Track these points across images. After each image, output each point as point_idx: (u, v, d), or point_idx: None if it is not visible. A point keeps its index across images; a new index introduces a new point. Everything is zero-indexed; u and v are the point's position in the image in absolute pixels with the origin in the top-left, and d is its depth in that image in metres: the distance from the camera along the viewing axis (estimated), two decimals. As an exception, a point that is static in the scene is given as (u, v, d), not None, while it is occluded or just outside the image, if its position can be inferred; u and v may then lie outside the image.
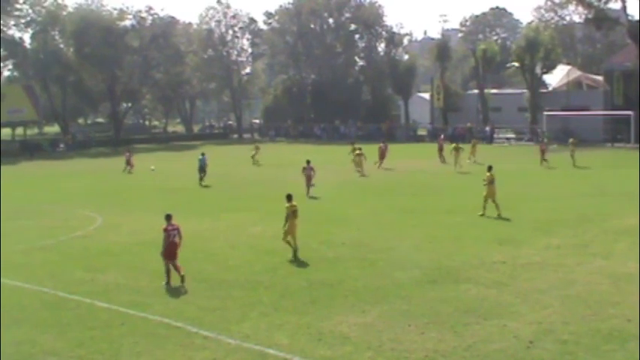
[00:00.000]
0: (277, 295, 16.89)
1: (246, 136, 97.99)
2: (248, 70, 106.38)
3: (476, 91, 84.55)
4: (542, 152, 48.37)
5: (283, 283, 17.97)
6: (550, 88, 78.80)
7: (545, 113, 68.32)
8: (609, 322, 14.27)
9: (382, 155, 48.16)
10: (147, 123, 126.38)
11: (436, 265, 19.31)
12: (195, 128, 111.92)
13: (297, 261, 20.18)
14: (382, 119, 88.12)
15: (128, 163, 50.54)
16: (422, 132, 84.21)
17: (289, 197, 20.83)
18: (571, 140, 49.61)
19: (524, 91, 76.09)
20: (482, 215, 27.20)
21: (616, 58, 75.36)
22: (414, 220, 26.89)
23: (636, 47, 66.62)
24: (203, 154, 42.63)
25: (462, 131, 73.10)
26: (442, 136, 57.58)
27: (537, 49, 73.33)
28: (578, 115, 65.88)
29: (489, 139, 73.40)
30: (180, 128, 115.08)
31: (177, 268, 17.94)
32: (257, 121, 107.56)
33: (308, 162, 34.95)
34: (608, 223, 25.15)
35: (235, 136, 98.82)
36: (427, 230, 24.66)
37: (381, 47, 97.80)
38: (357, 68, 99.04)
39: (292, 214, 20.62)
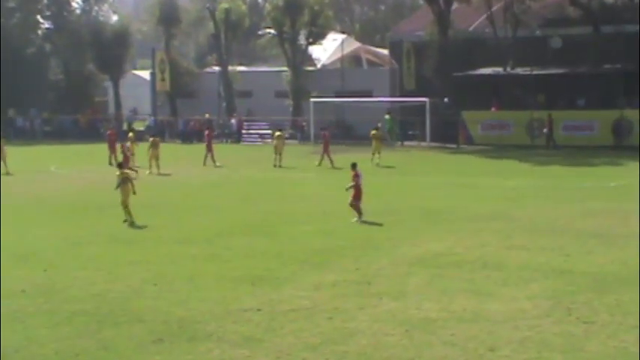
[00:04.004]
0: None
1: None
2: None
3: (217, 68, 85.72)
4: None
5: None
6: (319, 66, 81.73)
7: (313, 100, 70.17)
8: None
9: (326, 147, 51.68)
10: None
11: (164, 317, 19.24)
12: None
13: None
14: (82, 108, 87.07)
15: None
16: (140, 126, 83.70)
17: None
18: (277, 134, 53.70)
19: (284, 69, 78.11)
20: (125, 221, 31.68)
21: (405, 25, 79.51)
22: (132, 253, 26.68)
23: (430, 9, 69.73)
24: None
25: (197, 125, 73.64)
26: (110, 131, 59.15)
27: (300, 11, 75.52)
28: (356, 103, 68.20)
29: (237, 136, 74.65)
30: None
31: None
32: None
33: None
34: (398, 251, 26.32)
35: None
36: (150, 267, 24.57)
37: (78, 2, 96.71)
38: (40, 33, 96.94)
39: None
